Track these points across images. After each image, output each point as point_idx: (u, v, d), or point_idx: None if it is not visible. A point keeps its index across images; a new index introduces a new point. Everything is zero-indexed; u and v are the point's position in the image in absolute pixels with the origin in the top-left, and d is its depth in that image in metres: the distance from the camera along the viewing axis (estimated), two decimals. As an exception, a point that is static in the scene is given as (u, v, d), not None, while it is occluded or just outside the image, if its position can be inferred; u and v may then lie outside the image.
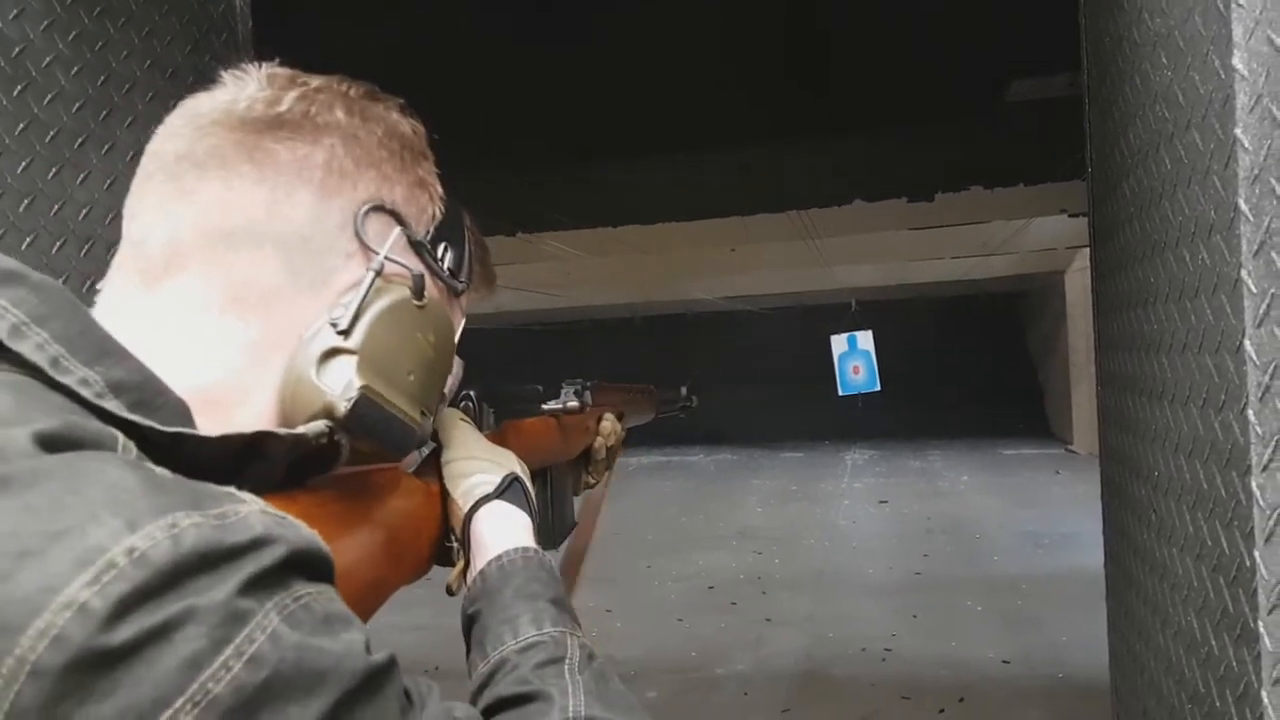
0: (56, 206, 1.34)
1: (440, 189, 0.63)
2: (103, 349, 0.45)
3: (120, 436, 0.42)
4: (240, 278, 0.53)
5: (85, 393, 0.43)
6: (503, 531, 0.69)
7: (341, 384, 0.54)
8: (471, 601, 0.65)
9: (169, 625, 0.34)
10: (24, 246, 1.29)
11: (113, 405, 0.43)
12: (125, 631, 0.33)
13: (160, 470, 0.40)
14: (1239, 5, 0.88)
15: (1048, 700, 3.69)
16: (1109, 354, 1.54)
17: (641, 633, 4.65)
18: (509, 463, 0.76)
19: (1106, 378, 1.58)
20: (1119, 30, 1.31)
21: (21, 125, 1.29)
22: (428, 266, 0.61)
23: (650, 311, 13.49)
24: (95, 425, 0.41)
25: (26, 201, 1.30)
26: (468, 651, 0.63)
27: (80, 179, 1.38)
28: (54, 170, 1.34)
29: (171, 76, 1.55)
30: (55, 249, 1.32)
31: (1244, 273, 0.89)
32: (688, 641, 4.63)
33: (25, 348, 0.43)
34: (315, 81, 0.58)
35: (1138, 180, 1.25)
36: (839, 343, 10.38)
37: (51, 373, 0.43)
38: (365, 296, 0.55)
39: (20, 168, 1.29)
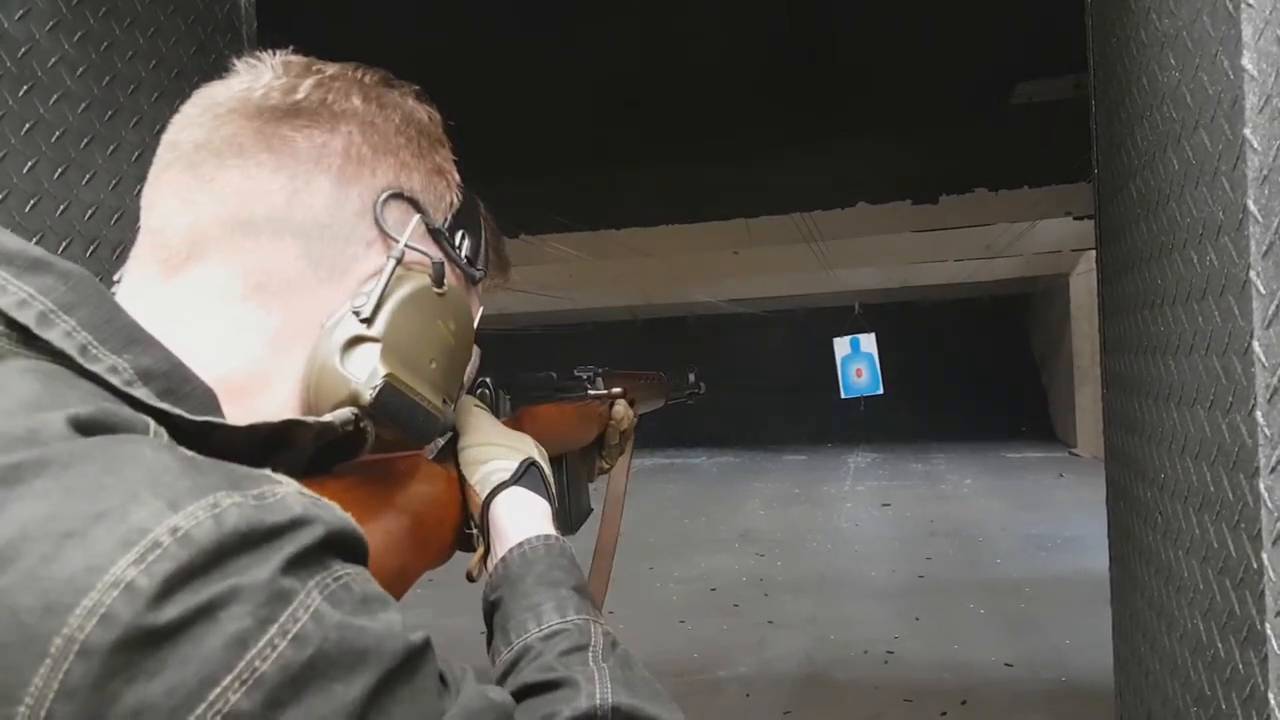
0: (62, 207, 1.34)
1: (457, 176, 0.63)
2: (130, 336, 0.45)
3: (151, 423, 0.42)
4: (261, 266, 0.53)
5: (114, 380, 0.43)
6: (522, 518, 0.69)
7: (366, 372, 0.54)
8: (493, 588, 0.65)
9: (215, 604, 0.35)
10: (29, 246, 1.29)
11: (142, 393, 0.44)
12: (172, 610, 0.34)
13: (194, 454, 0.41)
14: (1248, 5, 0.88)
15: (1050, 703, 3.68)
16: (1115, 356, 1.54)
17: (644, 634, 4.64)
18: (526, 448, 0.76)
19: (1112, 380, 1.58)
20: (1126, 31, 1.31)
21: (27, 125, 1.29)
22: (446, 254, 0.61)
23: (652, 314, 13.51)
24: (127, 412, 0.42)
25: (32, 202, 1.30)
26: (489, 638, 0.63)
27: (86, 179, 1.38)
28: (60, 170, 1.34)
29: (177, 77, 1.56)
30: (61, 249, 1.32)
31: (1253, 274, 0.89)
32: (690, 643, 4.63)
33: (54, 335, 0.43)
34: (331, 69, 0.58)
35: (1145, 181, 1.25)
36: (842, 345, 10.38)
37: (80, 360, 0.43)
38: (387, 284, 0.56)
39: (26, 168, 1.29)
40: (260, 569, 0.36)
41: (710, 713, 3.74)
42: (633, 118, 4.64)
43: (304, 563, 0.38)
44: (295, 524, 0.38)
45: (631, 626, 4.78)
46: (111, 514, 0.35)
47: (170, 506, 0.35)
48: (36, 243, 1.31)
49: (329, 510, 0.41)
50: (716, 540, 7.17)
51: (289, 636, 0.36)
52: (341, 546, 0.41)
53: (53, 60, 1.33)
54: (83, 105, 1.38)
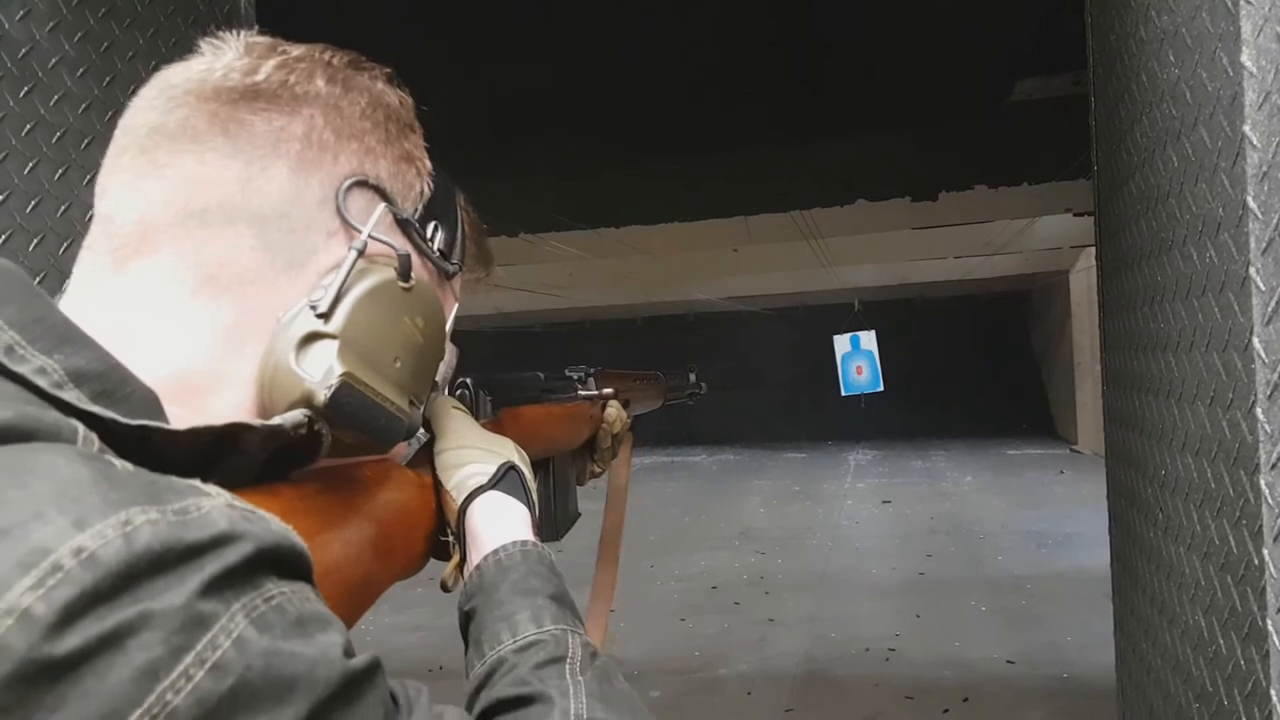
0: (63, 207, 1.34)
1: (429, 164, 0.60)
2: (63, 336, 0.43)
3: (81, 428, 0.40)
4: (213, 258, 0.50)
5: (42, 382, 0.40)
6: (499, 524, 0.67)
7: (321, 370, 0.51)
8: (468, 598, 0.63)
9: (121, 632, 0.32)
10: (31, 247, 1.29)
11: (72, 395, 0.41)
12: (72, 640, 0.31)
13: (120, 463, 0.38)
14: (1247, 2, 0.88)
15: (1052, 700, 3.69)
16: (1115, 353, 1.54)
17: (644, 633, 4.65)
18: (506, 451, 0.73)
19: (1113, 377, 1.58)
20: (1125, 28, 1.31)
21: (28, 126, 1.30)
22: (416, 246, 0.58)
23: (652, 312, 13.51)
24: (53, 416, 0.39)
25: (33, 203, 1.30)
26: (466, 650, 0.61)
27: (86, 180, 1.38)
28: (60, 171, 1.34)
29: (177, 77, 1.56)
30: (62, 250, 1.32)
31: (1252, 270, 0.89)
32: (690, 642, 4.63)
33: None
34: (296, 50, 0.55)
35: (1144, 178, 1.25)
36: (842, 343, 10.40)
37: (5, 361, 0.40)
38: (347, 277, 0.52)
39: (27, 169, 1.29)
40: (175, 592, 0.33)
41: (711, 711, 3.74)
42: (633, 116, 4.65)
43: (228, 583, 0.35)
44: (219, 541, 0.35)
45: (632, 624, 4.79)
46: (12, 533, 0.32)
47: (76, 525, 0.32)
48: (38, 244, 1.29)
49: (262, 524, 0.38)
50: (717, 538, 7.18)
51: (206, 666, 0.33)
52: (277, 563, 0.38)
53: (53, 61, 1.34)
54: (83, 106, 1.38)
